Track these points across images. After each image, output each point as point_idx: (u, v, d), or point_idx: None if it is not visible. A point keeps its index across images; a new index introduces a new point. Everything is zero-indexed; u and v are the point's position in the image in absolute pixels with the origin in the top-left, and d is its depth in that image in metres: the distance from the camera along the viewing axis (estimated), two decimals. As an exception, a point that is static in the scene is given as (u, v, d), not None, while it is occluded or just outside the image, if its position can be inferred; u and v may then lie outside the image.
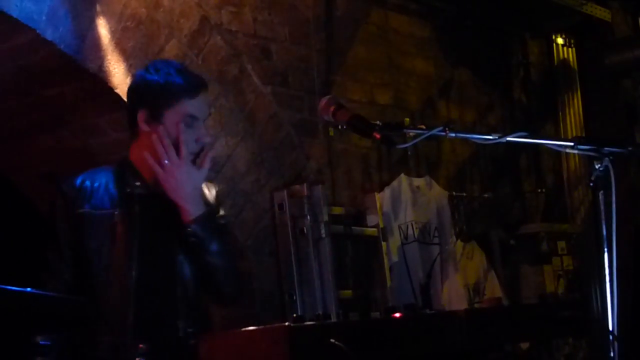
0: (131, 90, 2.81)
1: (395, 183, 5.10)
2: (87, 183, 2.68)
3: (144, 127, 2.69)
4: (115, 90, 3.83)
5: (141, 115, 2.69)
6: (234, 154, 4.29)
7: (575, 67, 6.76)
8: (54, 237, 2.65)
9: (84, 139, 4.22)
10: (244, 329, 1.69)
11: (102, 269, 2.58)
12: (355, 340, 1.62)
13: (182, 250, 2.65)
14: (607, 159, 2.48)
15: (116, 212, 2.62)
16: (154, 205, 2.67)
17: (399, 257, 4.94)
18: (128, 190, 2.66)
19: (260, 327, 1.67)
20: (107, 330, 2.55)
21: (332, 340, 1.59)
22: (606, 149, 2.49)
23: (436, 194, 5.35)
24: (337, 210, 4.70)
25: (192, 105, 2.68)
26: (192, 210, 2.62)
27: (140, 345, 2.33)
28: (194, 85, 2.72)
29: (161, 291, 2.63)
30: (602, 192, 2.49)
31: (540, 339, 2.07)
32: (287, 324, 1.60)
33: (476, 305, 5.03)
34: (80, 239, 2.61)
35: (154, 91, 2.69)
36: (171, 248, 2.65)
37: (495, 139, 2.50)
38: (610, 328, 2.34)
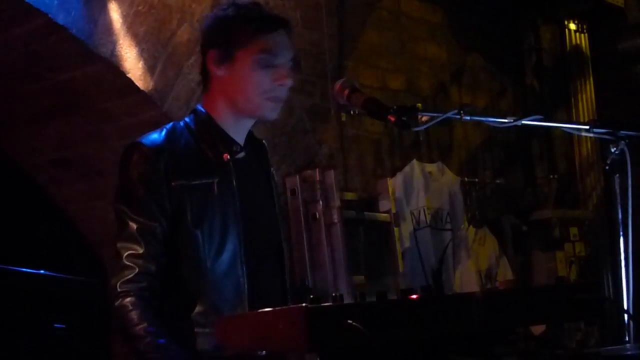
0: (203, 32, 2.52)
1: (407, 169, 5.09)
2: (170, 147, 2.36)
3: (214, 70, 2.43)
4: (127, 75, 3.83)
5: (211, 57, 2.43)
6: (246, 139, 4.28)
7: (588, 52, 6.73)
8: (145, 209, 2.30)
9: (96, 124, 4.22)
10: (260, 310, 1.68)
11: (208, 239, 2.34)
12: (372, 322, 1.62)
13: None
14: (623, 142, 2.47)
15: (216, 181, 2.37)
16: (246, 164, 2.47)
17: (411, 243, 4.93)
18: (224, 154, 2.40)
19: (277, 308, 1.67)
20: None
21: (349, 321, 1.58)
22: (622, 132, 2.47)
23: (448, 179, 5.33)
24: (350, 195, 4.70)
25: (267, 41, 2.39)
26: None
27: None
28: (270, 21, 2.43)
29: (271, 252, 2.55)
30: (617, 176, 2.48)
31: (556, 321, 2.06)
32: (304, 305, 1.59)
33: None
34: (175, 210, 2.32)
35: (225, 27, 2.41)
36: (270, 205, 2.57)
37: (510, 122, 2.49)
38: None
